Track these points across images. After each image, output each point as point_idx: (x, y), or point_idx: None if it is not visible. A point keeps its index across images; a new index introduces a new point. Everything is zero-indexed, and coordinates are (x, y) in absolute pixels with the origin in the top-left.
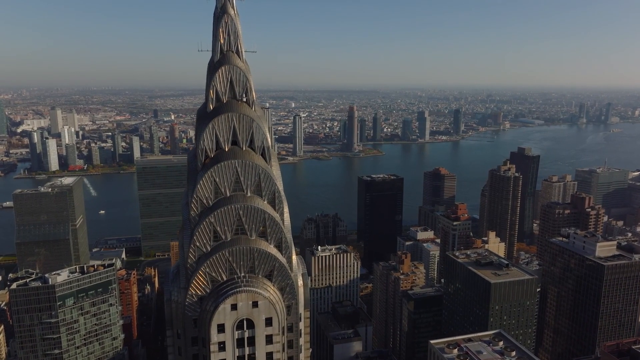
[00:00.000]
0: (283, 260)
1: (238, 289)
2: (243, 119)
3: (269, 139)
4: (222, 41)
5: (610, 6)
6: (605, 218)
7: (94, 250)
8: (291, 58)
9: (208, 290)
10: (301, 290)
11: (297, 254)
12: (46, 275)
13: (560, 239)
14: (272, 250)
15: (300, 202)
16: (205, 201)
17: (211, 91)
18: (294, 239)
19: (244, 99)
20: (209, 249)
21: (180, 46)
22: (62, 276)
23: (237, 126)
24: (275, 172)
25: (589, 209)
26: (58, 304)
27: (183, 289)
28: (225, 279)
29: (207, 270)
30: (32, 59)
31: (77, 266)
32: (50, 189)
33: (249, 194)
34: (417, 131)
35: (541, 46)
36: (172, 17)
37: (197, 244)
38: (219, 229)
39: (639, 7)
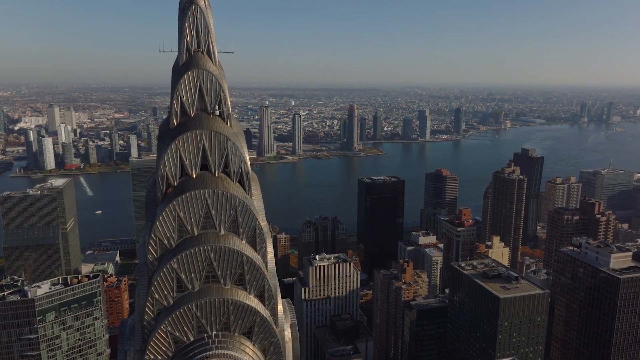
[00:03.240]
0: (266, 313)
1: (208, 352)
2: (215, 138)
3: (248, 162)
4: (188, 39)
5: (611, 4)
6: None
7: (87, 252)
8: (291, 56)
9: (170, 354)
10: (289, 346)
11: (283, 300)
12: (25, 288)
13: (571, 248)
14: (252, 301)
15: (299, 203)
16: (166, 242)
17: (175, 102)
18: (292, 241)
19: (217, 112)
20: (171, 301)
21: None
22: (43, 289)
23: (207, 146)
24: (257, 202)
25: (599, 215)
26: (38, 318)
27: (139, 351)
28: (192, 339)
29: (169, 328)
30: (31, 57)
31: (60, 277)
32: (39, 191)
33: (222, 232)
34: (417, 130)
35: (542, 44)
36: (172, 14)
37: (157, 295)
38: (183, 276)
39: None
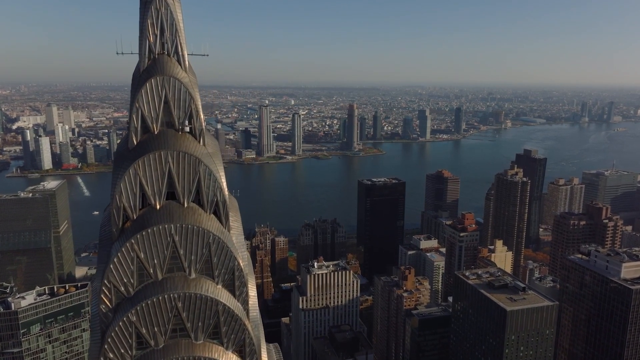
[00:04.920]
0: None
1: None
2: (184, 160)
3: (225, 189)
4: (151, 39)
5: (612, 3)
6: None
7: (82, 255)
8: (292, 54)
9: None
10: None
11: (270, 346)
12: (9, 299)
13: (580, 256)
14: (230, 358)
15: (299, 203)
16: (123, 289)
17: (134, 117)
18: (291, 243)
19: (187, 129)
20: None
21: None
22: (28, 300)
23: (174, 170)
24: (236, 237)
25: (606, 220)
26: (22, 331)
27: None
28: None
29: None
30: (31, 55)
31: (47, 287)
32: (31, 194)
33: (192, 276)
34: (418, 130)
35: (542, 43)
36: None
37: (111, 355)
38: (144, 331)
39: None
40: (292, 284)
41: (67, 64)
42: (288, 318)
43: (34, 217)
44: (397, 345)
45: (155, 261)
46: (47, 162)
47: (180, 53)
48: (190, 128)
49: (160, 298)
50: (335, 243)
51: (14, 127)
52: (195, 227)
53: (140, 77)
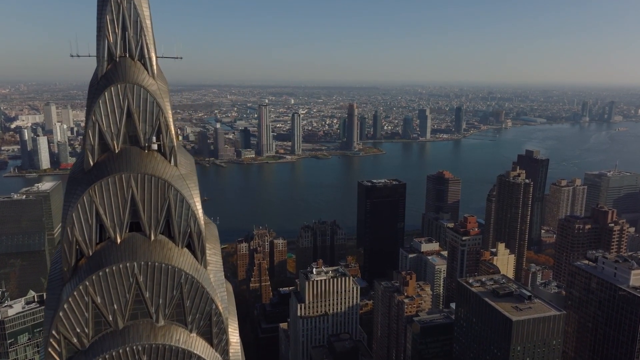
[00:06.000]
0: None
1: None
2: (150, 184)
3: (201, 217)
4: (111, 39)
5: (612, 3)
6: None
7: None
8: (291, 53)
9: None
10: None
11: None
12: None
13: (586, 262)
14: None
15: (298, 204)
16: (76, 340)
17: (90, 132)
18: (289, 245)
19: (155, 146)
20: None
21: (180, 40)
22: (15, 309)
23: (138, 197)
24: (215, 275)
25: (612, 224)
26: (9, 341)
27: None
28: None
29: None
30: (31, 54)
31: (36, 295)
32: (24, 196)
33: (161, 323)
34: (418, 129)
35: (542, 43)
36: (171, 9)
37: None
38: None
39: None
40: (290, 288)
41: (67, 63)
42: (286, 323)
43: (28, 219)
44: (398, 352)
45: (115, 306)
46: (45, 161)
47: (147, 56)
48: (159, 145)
49: (120, 351)
50: (335, 245)
51: (13, 126)
52: (163, 264)
53: (97, 85)
